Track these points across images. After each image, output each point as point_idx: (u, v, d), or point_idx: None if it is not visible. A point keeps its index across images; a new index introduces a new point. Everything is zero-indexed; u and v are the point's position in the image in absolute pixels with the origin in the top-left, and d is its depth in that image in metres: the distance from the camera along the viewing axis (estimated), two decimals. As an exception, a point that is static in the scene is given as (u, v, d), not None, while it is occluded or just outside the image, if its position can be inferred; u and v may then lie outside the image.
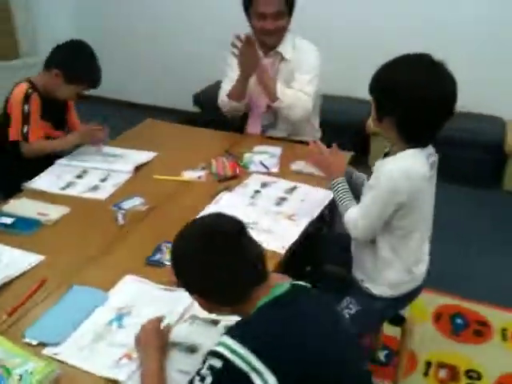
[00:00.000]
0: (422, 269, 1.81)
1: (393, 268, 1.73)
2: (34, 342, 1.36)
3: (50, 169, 2.28)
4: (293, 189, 2.13)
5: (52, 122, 2.42)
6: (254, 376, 1.04)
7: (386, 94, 1.61)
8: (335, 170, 1.85)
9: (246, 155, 2.38)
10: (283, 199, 2.05)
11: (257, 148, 2.46)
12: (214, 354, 1.08)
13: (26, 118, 2.28)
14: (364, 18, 4.00)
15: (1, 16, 4.51)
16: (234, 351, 1.07)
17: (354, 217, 1.71)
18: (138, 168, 2.29)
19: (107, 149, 2.44)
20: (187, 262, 1.20)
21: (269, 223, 1.88)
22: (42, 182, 2.17)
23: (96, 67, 2.34)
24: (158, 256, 1.69)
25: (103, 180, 2.19)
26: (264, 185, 2.16)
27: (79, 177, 2.22)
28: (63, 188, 2.13)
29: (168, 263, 1.61)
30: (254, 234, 1.25)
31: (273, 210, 1.97)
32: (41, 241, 1.79)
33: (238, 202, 2.02)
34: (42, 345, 1.35)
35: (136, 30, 4.83)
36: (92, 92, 2.46)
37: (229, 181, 2.19)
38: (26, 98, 2.28)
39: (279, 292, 1.18)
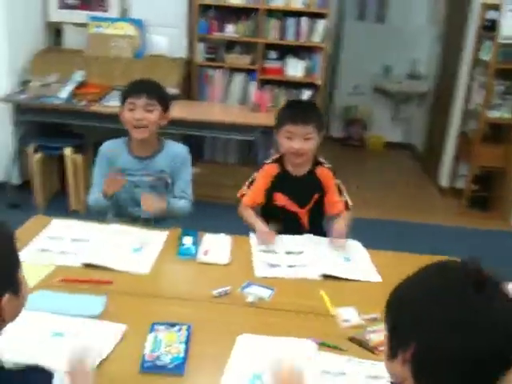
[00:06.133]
0: None
1: None
2: (29, 299, 1.69)
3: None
4: None
5: (289, 196, 2.37)
6: None
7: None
8: None
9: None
10: None
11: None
12: None
13: (250, 183, 2.43)
14: None
15: None
16: None
17: None
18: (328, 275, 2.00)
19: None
20: None
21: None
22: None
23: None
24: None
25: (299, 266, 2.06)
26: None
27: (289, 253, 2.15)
28: (263, 251, 2.16)
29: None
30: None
31: None
32: (170, 263, 2.02)
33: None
34: (25, 304, 1.67)
35: None
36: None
37: (362, 348, 1.60)
38: (261, 167, 2.43)
39: None
